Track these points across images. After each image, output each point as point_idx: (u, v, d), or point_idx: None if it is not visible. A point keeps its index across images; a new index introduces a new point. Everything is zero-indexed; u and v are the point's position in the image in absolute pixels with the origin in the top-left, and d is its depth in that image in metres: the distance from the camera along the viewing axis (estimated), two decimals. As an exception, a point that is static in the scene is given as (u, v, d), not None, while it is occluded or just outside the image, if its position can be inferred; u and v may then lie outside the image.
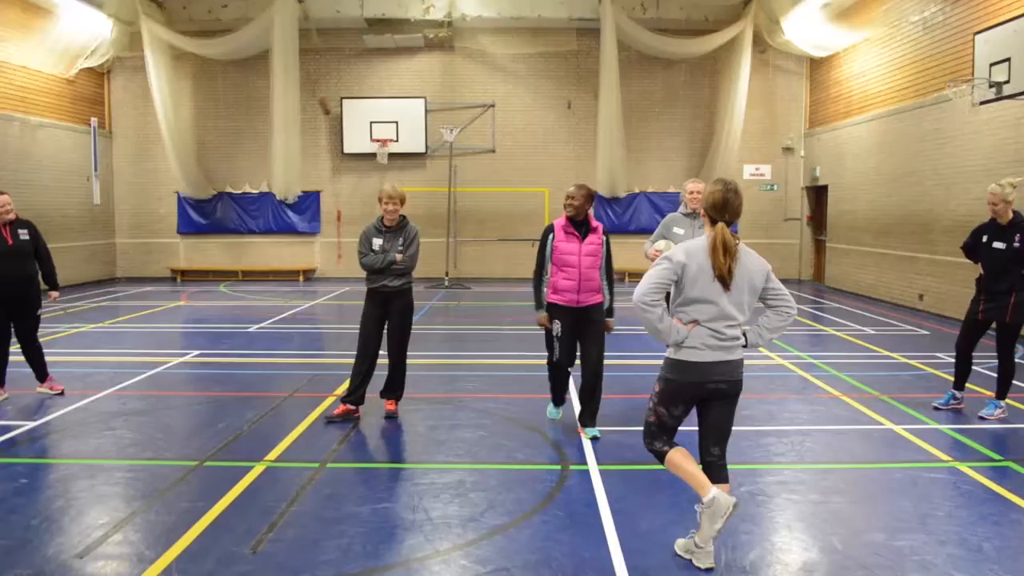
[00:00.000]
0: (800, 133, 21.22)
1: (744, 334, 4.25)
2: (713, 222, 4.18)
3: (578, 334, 6.68)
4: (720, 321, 4.15)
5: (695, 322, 4.16)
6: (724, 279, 4.08)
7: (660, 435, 4.43)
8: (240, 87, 21.14)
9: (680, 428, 4.49)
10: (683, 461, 4.31)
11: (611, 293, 6.75)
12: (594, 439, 6.67)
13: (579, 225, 6.55)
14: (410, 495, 5.48)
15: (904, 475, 5.93)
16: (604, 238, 6.63)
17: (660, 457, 4.41)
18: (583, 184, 6.58)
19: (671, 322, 4.18)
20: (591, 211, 6.64)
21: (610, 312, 6.75)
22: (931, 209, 14.61)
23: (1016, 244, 7.06)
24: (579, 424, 6.87)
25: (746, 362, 4.50)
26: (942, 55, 14.35)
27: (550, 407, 7.31)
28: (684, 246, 4.21)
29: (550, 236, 6.58)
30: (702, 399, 4.30)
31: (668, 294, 4.28)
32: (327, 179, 21.50)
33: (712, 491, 4.18)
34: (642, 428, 4.55)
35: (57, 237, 17.54)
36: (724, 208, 4.12)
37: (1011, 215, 7.17)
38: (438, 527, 4.89)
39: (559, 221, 6.61)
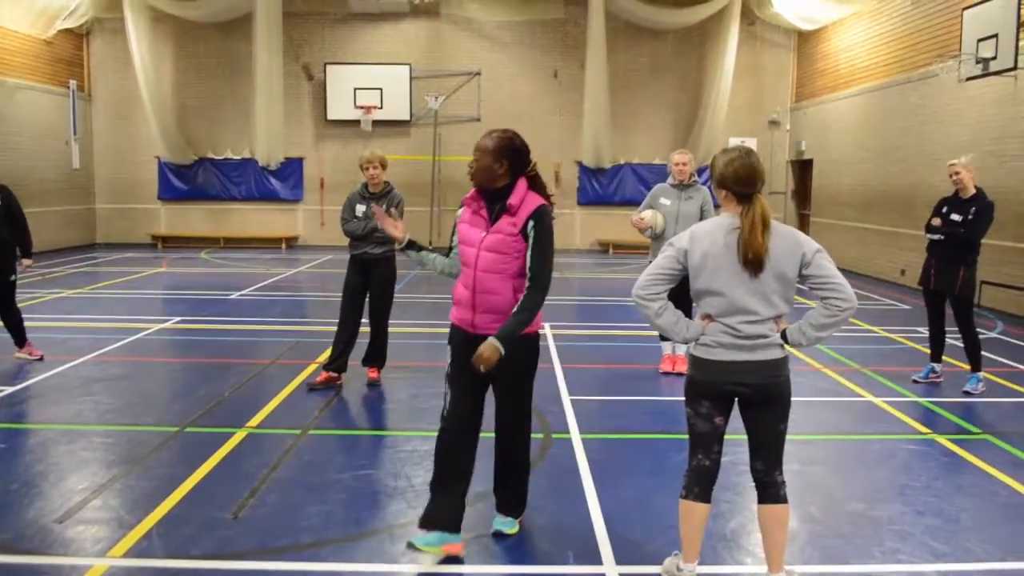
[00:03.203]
0: (786, 107, 21.19)
1: (784, 332, 3.53)
2: (741, 198, 3.51)
3: (483, 379, 4.07)
4: (734, 316, 3.48)
5: (708, 317, 3.56)
6: (753, 264, 3.42)
7: (695, 448, 3.69)
8: (222, 51, 20.84)
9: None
10: (690, 517, 3.70)
11: (524, 305, 3.92)
12: (497, 535, 4.34)
13: (493, 199, 4.03)
14: (392, 462, 5.48)
15: (883, 446, 5.99)
16: (531, 223, 3.92)
17: (681, 490, 3.73)
18: (499, 131, 4.09)
19: (676, 317, 3.57)
20: (524, 178, 4.04)
21: (504, 332, 3.86)
22: (915, 184, 14.66)
23: (970, 217, 7.20)
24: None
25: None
26: (930, 30, 14.33)
27: (419, 536, 4.04)
28: (692, 228, 3.62)
29: (457, 214, 4.22)
30: (736, 402, 3.63)
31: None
32: (310, 146, 21.31)
33: (689, 568, 3.71)
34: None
35: (35, 201, 17.30)
36: (753, 179, 3.50)
37: (973, 189, 7.27)
38: (420, 494, 4.88)
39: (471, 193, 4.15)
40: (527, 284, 3.94)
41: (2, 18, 17.30)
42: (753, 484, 3.73)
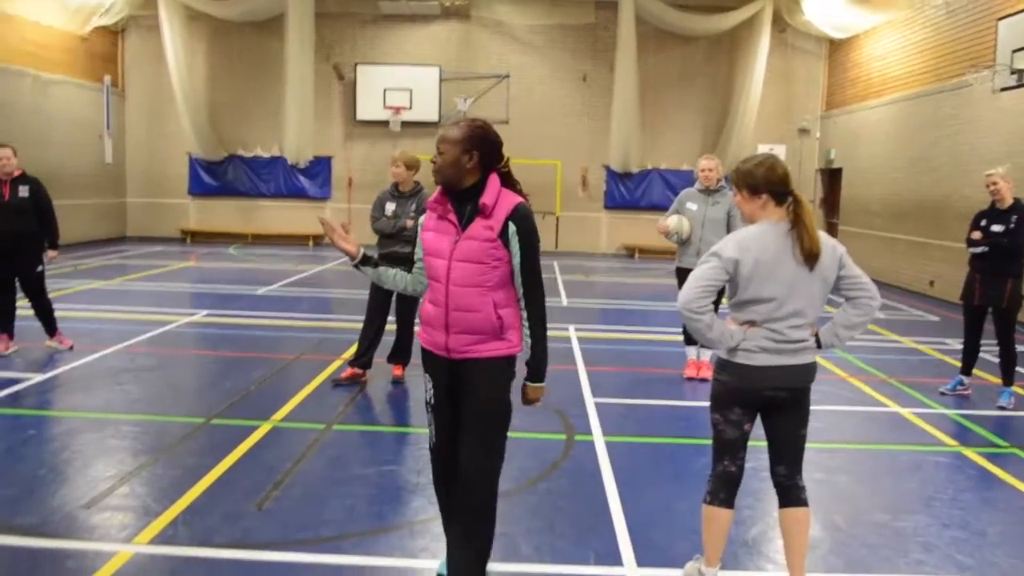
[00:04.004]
0: (816, 115, 21.04)
1: (817, 335, 3.58)
2: (781, 198, 3.50)
3: (458, 408, 3.58)
4: (782, 321, 3.46)
5: (751, 323, 3.51)
6: (815, 256, 3.43)
7: (721, 454, 3.66)
8: (254, 50, 21.01)
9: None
10: (714, 523, 3.67)
11: (537, 333, 3.48)
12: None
13: (462, 200, 3.45)
14: (415, 458, 5.50)
15: (909, 458, 5.93)
16: (511, 227, 3.38)
17: (705, 495, 3.71)
18: (467, 119, 3.51)
19: (722, 327, 3.51)
20: (496, 175, 3.48)
21: (537, 371, 3.52)
22: (946, 195, 14.50)
23: (1012, 226, 7.11)
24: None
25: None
26: (964, 40, 14.17)
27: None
28: (736, 237, 3.52)
29: (419, 222, 3.64)
30: (761, 408, 3.63)
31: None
32: (339, 145, 21.44)
33: (712, 572, 3.71)
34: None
35: (68, 194, 17.52)
36: (788, 175, 3.52)
37: (1011, 200, 7.19)
38: (442, 491, 4.91)
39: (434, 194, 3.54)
40: (523, 302, 3.46)
41: (40, 14, 17.54)
42: (774, 490, 3.71)
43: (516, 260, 3.40)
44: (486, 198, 3.37)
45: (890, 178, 16.91)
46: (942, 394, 7.63)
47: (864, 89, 18.45)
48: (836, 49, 20.23)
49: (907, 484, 5.39)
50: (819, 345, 3.59)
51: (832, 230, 20.19)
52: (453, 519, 3.56)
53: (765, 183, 3.50)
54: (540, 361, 3.52)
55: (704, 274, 3.47)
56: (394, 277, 3.75)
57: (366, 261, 3.75)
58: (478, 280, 3.39)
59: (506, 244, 3.38)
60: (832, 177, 20.53)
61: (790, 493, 3.66)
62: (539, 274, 3.47)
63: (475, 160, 3.40)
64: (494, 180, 3.44)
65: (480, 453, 3.47)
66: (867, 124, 18.20)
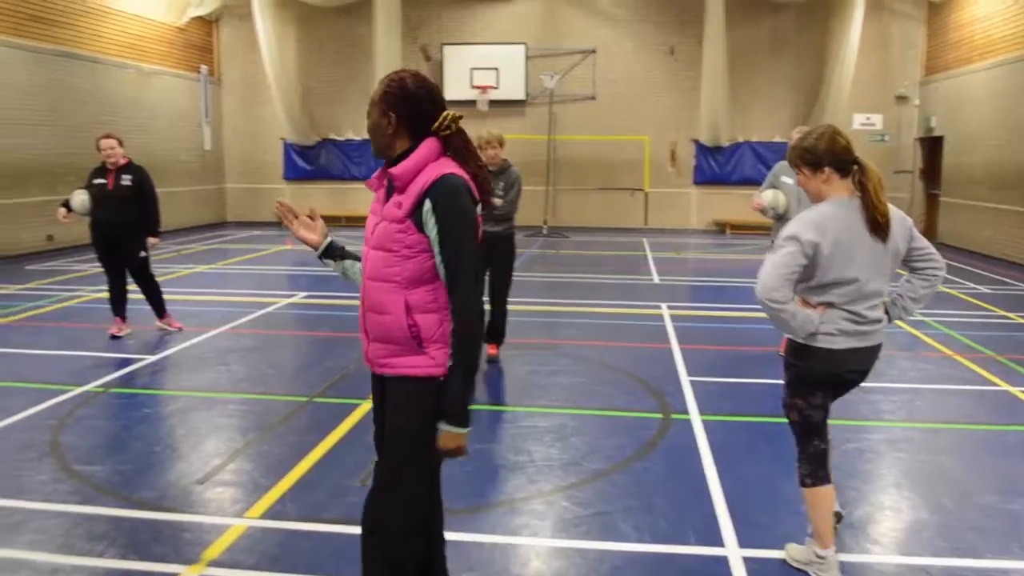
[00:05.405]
0: (915, 81, 20.22)
1: (887, 311, 3.54)
2: (846, 170, 3.38)
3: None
4: (861, 302, 3.37)
5: (828, 304, 3.40)
6: (884, 227, 3.31)
7: (810, 436, 3.62)
8: (343, 34, 21.36)
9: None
10: (821, 502, 3.64)
11: (460, 352, 2.64)
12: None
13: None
14: (512, 437, 5.57)
15: (1019, 438, 5.71)
16: (426, 203, 2.63)
17: (803, 479, 3.67)
18: (392, 73, 2.90)
19: (804, 314, 3.37)
20: (434, 140, 2.75)
21: (452, 407, 2.64)
22: (1057, 162, 13.81)
23: None
24: None
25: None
26: (1078, -3, 13.43)
27: None
28: (811, 217, 3.35)
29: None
30: (833, 387, 3.61)
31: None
32: (427, 126, 21.59)
33: (830, 551, 3.65)
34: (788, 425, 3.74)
35: (170, 182, 18.21)
36: (850, 144, 3.39)
37: None
38: (541, 469, 4.96)
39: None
40: (450, 306, 2.66)
41: (139, 7, 18.21)
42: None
43: (439, 252, 2.64)
44: (400, 168, 2.68)
45: (995, 146, 16.17)
46: (1056, 371, 7.32)
47: (967, 52, 17.65)
48: (936, 11, 19.38)
49: (1018, 465, 5.20)
50: (888, 321, 3.57)
51: (933, 201, 19.46)
52: None
53: (828, 155, 3.40)
54: (456, 392, 2.64)
55: (783, 260, 3.30)
56: (361, 272, 2.96)
57: (329, 253, 3.15)
58: (385, 273, 2.71)
59: (420, 227, 2.65)
60: (933, 146, 19.73)
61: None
62: (468, 270, 2.63)
63: (393, 122, 2.74)
64: (426, 146, 2.72)
65: (380, 499, 2.80)
66: (970, 89, 17.42)
